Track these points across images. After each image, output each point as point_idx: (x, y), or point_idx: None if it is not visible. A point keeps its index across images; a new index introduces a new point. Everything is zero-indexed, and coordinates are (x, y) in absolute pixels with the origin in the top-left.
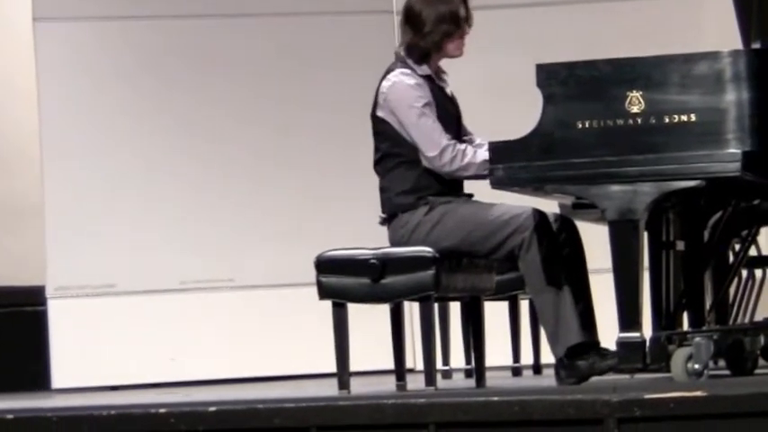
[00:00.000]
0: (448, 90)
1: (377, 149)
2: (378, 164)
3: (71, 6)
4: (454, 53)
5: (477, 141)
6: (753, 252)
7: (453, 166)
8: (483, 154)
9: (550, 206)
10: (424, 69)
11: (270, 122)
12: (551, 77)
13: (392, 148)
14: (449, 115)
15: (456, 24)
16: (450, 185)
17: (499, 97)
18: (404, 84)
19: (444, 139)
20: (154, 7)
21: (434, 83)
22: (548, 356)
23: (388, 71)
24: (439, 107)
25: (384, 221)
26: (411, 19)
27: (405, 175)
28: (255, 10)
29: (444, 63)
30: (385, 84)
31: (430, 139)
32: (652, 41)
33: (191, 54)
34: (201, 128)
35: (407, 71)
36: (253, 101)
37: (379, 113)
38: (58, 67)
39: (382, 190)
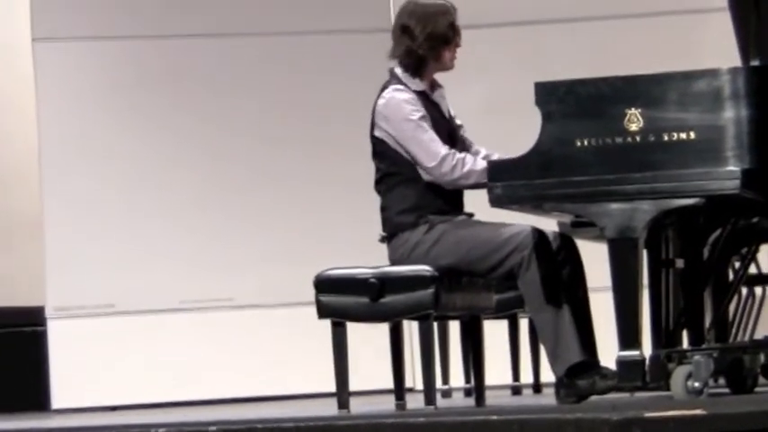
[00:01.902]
0: (444, 105)
1: (377, 169)
2: (378, 183)
3: (70, 27)
4: (450, 64)
5: (483, 152)
6: (752, 270)
7: (455, 175)
8: (484, 162)
9: (550, 224)
10: (418, 84)
11: (269, 142)
12: (550, 95)
13: (391, 168)
14: (441, 131)
15: (453, 32)
16: (451, 204)
17: (498, 115)
18: (396, 99)
19: (443, 148)
20: (152, 27)
21: (428, 99)
22: (547, 375)
23: (382, 89)
24: (432, 122)
25: (384, 239)
26: (407, 30)
27: (405, 194)
28: (254, 29)
29: (443, 81)
30: (380, 102)
31: (428, 150)
32: (652, 60)
33: (190, 73)
34: (200, 147)
35: (401, 87)
36: (251, 120)
37: (377, 133)
38: (57, 86)
39: (383, 209)
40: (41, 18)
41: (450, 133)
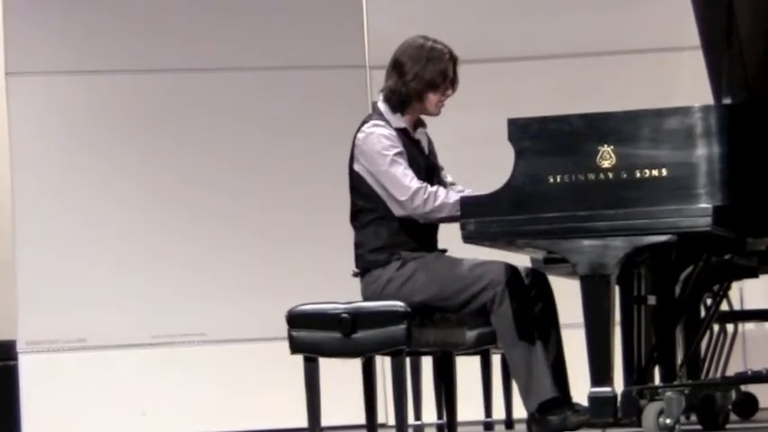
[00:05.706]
0: (424, 144)
1: (353, 204)
2: (353, 218)
3: (44, 61)
4: (435, 110)
5: (459, 188)
6: (724, 307)
7: (426, 208)
8: (457, 195)
9: (523, 260)
10: (399, 121)
11: (243, 177)
12: (523, 132)
13: (367, 204)
14: (419, 168)
15: (443, 79)
16: (424, 242)
17: (471, 151)
18: (376, 134)
19: (415, 182)
20: (129, 62)
21: (408, 136)
22: (520, 411)
23: (363, 123)
24: (410, 159)
25: (357, 275)
26: (397, 65)
27: (378, 232)
28: (230, 65)
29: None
30: (359, 136)
31: (400, 185)
32: (626, 97)
33: (165, 109)
34: (173, 183)
35: (381, 122)
36: (225, 156)
37: (355, 167)
38: (31, 121)
39: (356, 245)
40: (15, 52)
41: (429, 171)
